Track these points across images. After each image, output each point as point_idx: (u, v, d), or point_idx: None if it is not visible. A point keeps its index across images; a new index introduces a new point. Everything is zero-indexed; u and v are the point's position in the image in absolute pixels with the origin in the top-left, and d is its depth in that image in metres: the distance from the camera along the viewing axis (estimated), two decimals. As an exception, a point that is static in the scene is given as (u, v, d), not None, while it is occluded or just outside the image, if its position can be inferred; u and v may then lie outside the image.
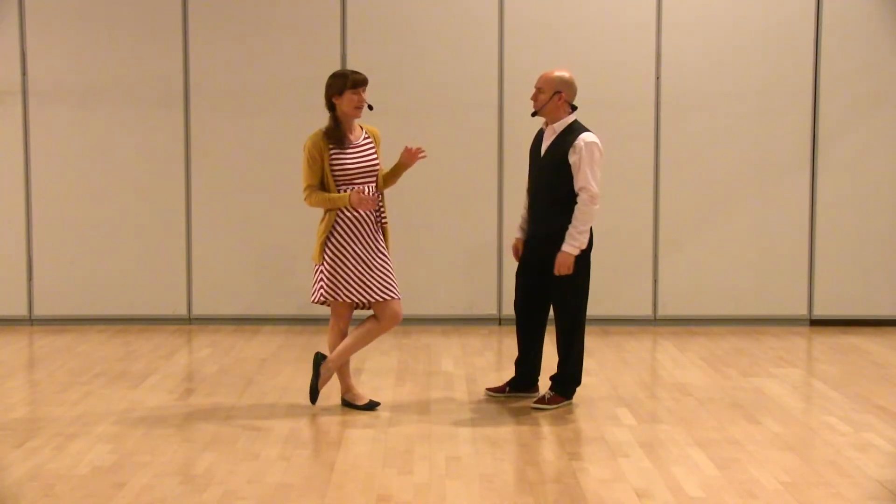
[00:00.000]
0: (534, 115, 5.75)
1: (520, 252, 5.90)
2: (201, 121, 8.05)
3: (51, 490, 4.34)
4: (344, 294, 5.47)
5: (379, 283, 5.50)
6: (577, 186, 5.56)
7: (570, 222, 5.55)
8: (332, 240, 5.46)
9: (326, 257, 5.47)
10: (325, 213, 5.51)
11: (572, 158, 5.55)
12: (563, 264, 5.54)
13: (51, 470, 4.60)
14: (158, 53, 8.01)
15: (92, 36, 8.01)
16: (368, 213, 5.50)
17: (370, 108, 5.55)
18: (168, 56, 8.01)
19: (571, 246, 5.53)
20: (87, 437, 5.09)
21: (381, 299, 5.50)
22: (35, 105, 8.03)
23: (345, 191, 5.45)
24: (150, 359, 6.95)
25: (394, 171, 5.71)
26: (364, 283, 5.47)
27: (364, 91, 5.50)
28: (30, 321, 8.15)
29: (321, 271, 5.50)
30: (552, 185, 5.62)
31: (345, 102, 5.47)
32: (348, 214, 5.46)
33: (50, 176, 8.07)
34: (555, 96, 5.62)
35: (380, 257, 5.53)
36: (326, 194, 5.43)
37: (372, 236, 5.51)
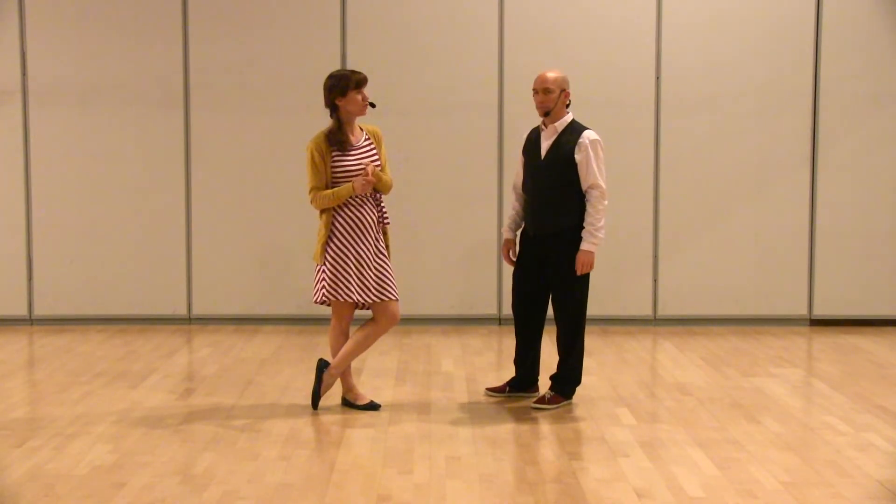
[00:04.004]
0: (546, 115, 5.69)
1: (511, 251, 5.91)
2: (201, 121, 8.04)
3: (51, 490, 4.34)
4: (344, 294, 5.46)
5: (377, 283, 5.51)
6: (586, 184, 5.57)
7: (577, 221, 5.56)
8: (334, 240, 5.46)
9: (328, 257, 5.46)
10: (321, 214, 5.51)
11: (578, 157, 5.56)
12: (585, 263, 5.57)
13: (51, 470, 4.60)
14: (158, 53, 8.01)
15: (92, 36, 8.01)
16: (371, 213, 5.50)
17: (373, 105, 5.54)
18: (168, 56, 8.00)
19: (591, 244, 5.55)
20: (87, 437, 5.09)
21: (378, 300, 5.51)
22: (35, 105, 8.03)
23: None
24: (150, 359, 6.95)
25: None
26: (363, 283, 5.48)
27: (365, 90, 5.51)
28: (30, 321, 8.15)
29: (322, 271, 5.50)
30: (556, 185, 5.61)
31: (350, 102, 5.46)
32: (348, 214, 5.47)
33: (50, 176, 8.07)
34: (562, 95, 5.63)
35: (379, 258, 5.54)
36: (330, 191, 5.43)
37: (373, 237, 5.51)
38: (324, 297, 5.51)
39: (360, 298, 5.50)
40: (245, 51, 8.01)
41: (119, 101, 8.04)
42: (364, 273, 5.48)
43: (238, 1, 8.01)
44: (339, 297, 5.48)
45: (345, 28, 8.01)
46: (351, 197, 5.45)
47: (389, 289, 5.54)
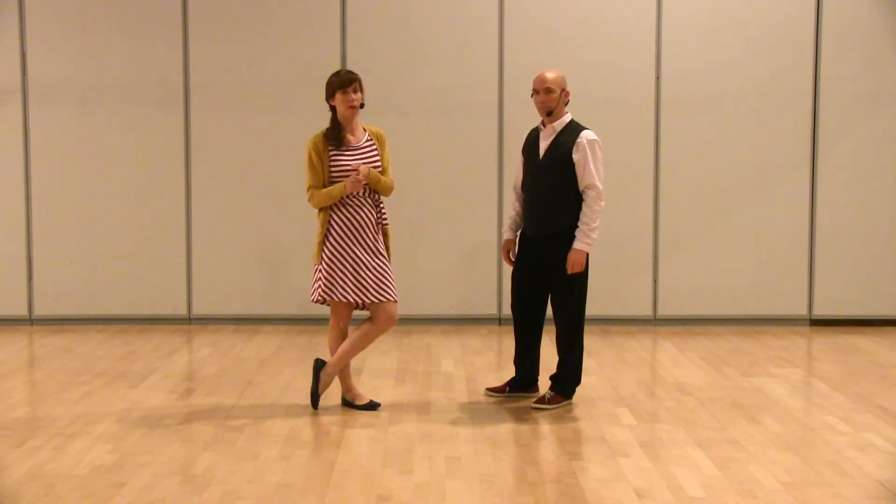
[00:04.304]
0: (549, 115, 5.69)
1: (510, 252, 5.90)
2: (201, 121, 8.05)
3: (51, 490, 4.34)
4: (340, 294, 5.47)
5: (375, 284, 5.50)
6: (583, 184, 5.56)
7: (574, 221, 5.56)
8: (330, 240, 5.47)
9: (324, 257, 5.47)
10: (318, 214, 5.52)
11: (576, 156, 5.56)
12: (576, 262, 5.55)
13: (51, 470, 4.60)
14: (158, 53, 8.01)
15: (92, 36, 8.01)
16: (368, 214, 5.50)
17: (361, 106, 5.54)
18: (168, 56, 8.01)
19: (584, 244, 5.54)
20: (87, 437, 5.09)
21: (376, 300, 5.51)
22: (35, 105, 8.03)
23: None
24: (150, 359, 6.95)
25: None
26: (360, 283, 5.48)
27: (356, 90, 5.49)
28: (30, 321, 8.15)
29: (319, 270, 5.51)
30: (555, 185, 5.61)
31: (338, 103, 5.49)
32: (345, 214, 5.47)
33: (50, 176, 8.07)
34: (562, 94, 5.64)
35: (377, 258, 5.53)
36: (325, 190, 5.45)
37: (372, 237, 5.51)
38: (320, 297, 5.52)
39: (356, 298, 5.50)
40: (245, 51, 8.02)
41: (119, 101, 8.04)
42: (361, 273, 5.48)
43: (238, 1, 8.02)
44: (335, 297, 5.49)
45: (345, 28, 8.01)
46: (348, 197, 5.46)
47: (387, 289, 5.53)
